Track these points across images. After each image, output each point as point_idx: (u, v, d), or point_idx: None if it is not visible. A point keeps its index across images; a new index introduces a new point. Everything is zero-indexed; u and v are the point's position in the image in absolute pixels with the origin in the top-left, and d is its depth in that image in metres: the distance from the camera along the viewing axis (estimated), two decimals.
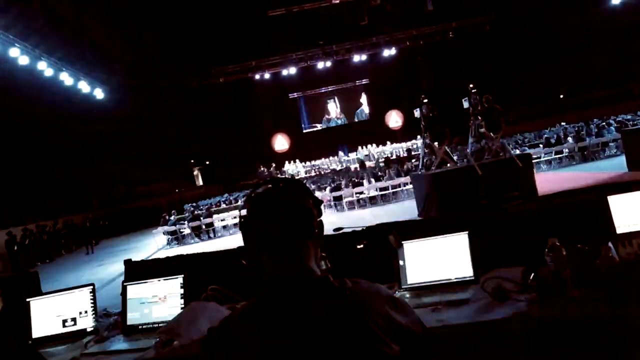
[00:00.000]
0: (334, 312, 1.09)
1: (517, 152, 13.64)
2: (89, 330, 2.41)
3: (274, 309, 1.12)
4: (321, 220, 1.25)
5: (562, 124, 22.24)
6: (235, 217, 15.97)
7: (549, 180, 12.48)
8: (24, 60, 14.58)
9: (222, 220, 15.84)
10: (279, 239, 1.17)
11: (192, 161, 33.48)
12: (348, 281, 1.16)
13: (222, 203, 20.07)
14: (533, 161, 11.53)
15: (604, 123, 17.60)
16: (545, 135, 18.31)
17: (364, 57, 25.46)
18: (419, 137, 22.49)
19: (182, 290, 2.33)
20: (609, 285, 1.66)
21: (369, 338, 1.08)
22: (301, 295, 1.13)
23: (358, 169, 23.45)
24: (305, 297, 1.13)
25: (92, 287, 2.49)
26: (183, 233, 15.52)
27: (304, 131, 31.06)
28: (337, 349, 1.06)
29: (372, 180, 16.45)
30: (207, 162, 33.34)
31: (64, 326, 2.44)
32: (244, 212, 1.24)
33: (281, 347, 1.07)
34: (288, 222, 1.17)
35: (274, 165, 27.05)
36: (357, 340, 1.07)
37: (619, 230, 2.05)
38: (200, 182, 34.50)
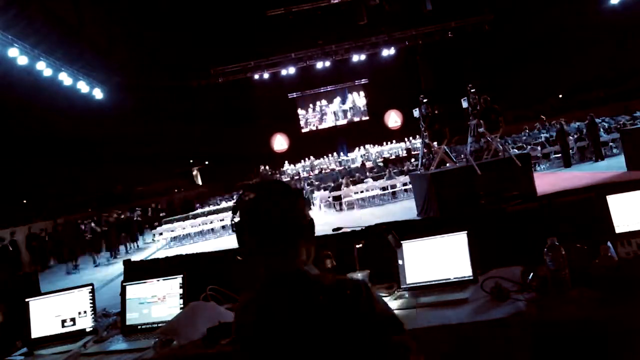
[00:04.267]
0: (319, 307, 1.15)
1: (516, 151, 13.65)
2: (88, 330, 2.41)
3: (269, 303, 1.20)
4: (311, 219, 1.33)
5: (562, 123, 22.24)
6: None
7: (548, 180, 12.49)
8: (22, 60, 14.55)
9: (221, 220, 15.86)
10: (271, 240, 1.25)
11: (192, 161, 33.48)
12: (330, 277, 1.23)
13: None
14: (532, 161, 11.55)
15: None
16: (544, 135, 18.34)
17: (363, 57, 25.44)
18: (418, 137, 22.53)
19: (181, 290, 2.33)
20: (607, 285, 1.66)
21: (353, 333, 1.13)
22: (292, 290, 1.20)
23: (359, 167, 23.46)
24: (295, 293, 1.19)
25: (91, 287, 2.49)
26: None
27: (303, 131, 31.06)
28: (324, 341, 1.13)
29: (371, 180, 16.48)
30: (207, 162, 33.34)
31: (63, 326, 2.44)
32: (236, 216, 1.34)
33: (276, 337, 1.15)
34: (278, 224, 1.25)
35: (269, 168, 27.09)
36: (343, 334, 1.13)
37: (618, 230, 2.05)
38: (199, 182, 34.52)
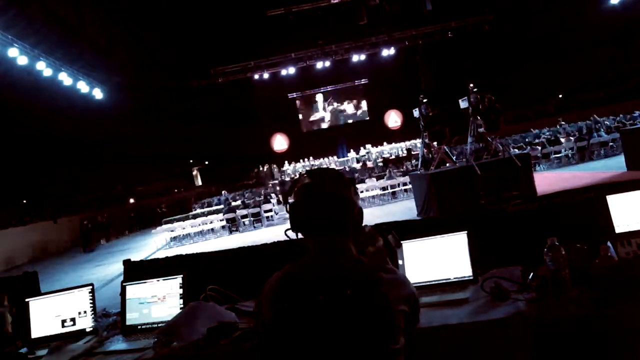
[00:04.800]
0: (363, 292, 1.22)
1: (516, 151, 13.65)
2: (88, 330, 2.41)
3: (312, 275, 1.27)
4: (360, 208, 1.41)
5: (562, 123, 22.27)
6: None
7: (548, 180, 12.49)
8: (22, 60, 14.54)
9: (220, 221, 15.84)
10: (323, 223, 1.33)
11: (192, 161, 33.50)
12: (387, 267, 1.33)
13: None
14: (532, 161, 11.56)
15: (595, 126, 17.67)
16: (544, 135, 18.34)
17: (363, 57, 25.43)
18: (418, 138, 22.52)
19: (181, 290, 2.33)
20: (607, 285, 1.66)
21: (384, 326, 1.20)
22: (337, 268, 1.28)
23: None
24: (341, 271, 1.27)
25: (91, 287, 2.49)
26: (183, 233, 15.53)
27: (303, 131, 31.06)
28: (355, 323, 1.19)
29: (372, 180, 16.47)
30: (207, 162, 33.36)
31: (63, 326, 2.44)
32: (291, 201, 1.40)
33: (311, 308, 1.21)
34: (331, 208, 1.33)
35: (274, 165, 27.09)
36: (375, 324, 1.19)
37: (617, 230, 2.05)
38: (199, 182, 34.53)
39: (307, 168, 26.13)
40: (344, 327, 1.18)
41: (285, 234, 1.44)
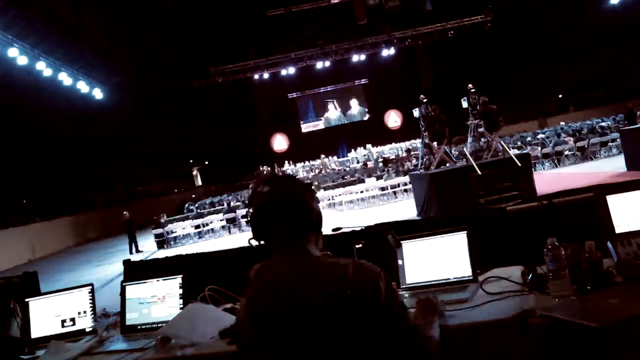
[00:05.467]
0: (361, 290, 1.20)
1: (516, 151, 13.65)
2: (87, 330, 2.41)
3: (286, 289, 1.24)
4: (319, 212, 1.40)
5: (561, 123, 22.27)
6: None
7: (548, 179, 12.50)
8: (22, 60, 14.55)
9: (221, 221, 15.82)
10: (282, 230, 1.33)
11: (192, 161, 33.49)
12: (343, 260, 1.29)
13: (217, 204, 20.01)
14: (532, 161, 11.56)
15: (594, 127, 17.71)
16: (545, 134, 18.33)
17: (363, 57, 25.43)
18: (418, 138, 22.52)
19: (180, 291, 2.33)
20: (586, 276, 1.71)
21: (372, 322, 1.18)
22: (302, 273, 1.26)
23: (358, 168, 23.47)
24: (305, 274, 1.26)
25: (90, 287, 2.49)
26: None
27: (303, 131, 31.06)
28: (330, 321, 1.17)
29: (372, 180, 16.48)
30: (207, 162, 33.35)
31: (62, 326, 2.44)
32: (251, 207, 1.39)
33: (296, 323, 1.19)
34: (289, 215, 1.33)
35: (275, 165, 27.09)
36: (374, 320, 1.18)
37: (618, 230, 2.04)
38: (199, 182, 34.51)
39: (307, 168, 26.17)
40: (347, 325, 1.17)
41: (249, 243, 1.44)
